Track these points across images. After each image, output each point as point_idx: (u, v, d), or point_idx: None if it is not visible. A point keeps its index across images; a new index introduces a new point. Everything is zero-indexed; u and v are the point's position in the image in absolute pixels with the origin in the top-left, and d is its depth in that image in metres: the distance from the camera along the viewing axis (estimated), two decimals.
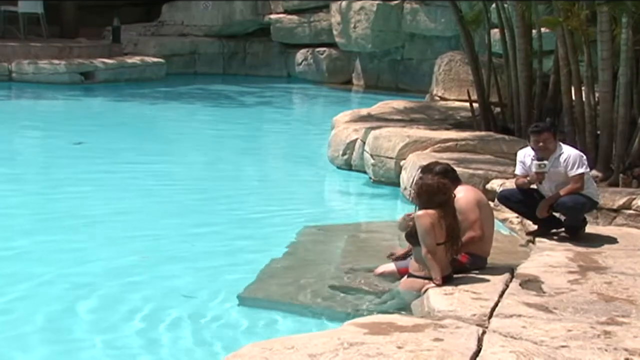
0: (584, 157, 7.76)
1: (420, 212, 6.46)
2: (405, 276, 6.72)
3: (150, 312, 6.58)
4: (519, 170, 7.92)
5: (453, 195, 6.61)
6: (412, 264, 6.67)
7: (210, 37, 24.56)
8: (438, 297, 6.08)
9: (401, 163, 10.74)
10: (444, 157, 9.31)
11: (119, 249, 8.22)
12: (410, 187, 9.99)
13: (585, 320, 5.58)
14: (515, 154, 8.14)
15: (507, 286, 6.36)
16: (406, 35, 21.85)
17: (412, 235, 6.57)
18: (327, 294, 6.80)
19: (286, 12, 24.06)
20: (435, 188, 6.51)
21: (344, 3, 21.96)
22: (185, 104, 19.57)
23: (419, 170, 7.52)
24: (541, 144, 7.64)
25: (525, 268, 6.85)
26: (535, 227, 8.05)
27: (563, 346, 5.07)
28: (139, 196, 10.57)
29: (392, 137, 11.20)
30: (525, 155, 7.84)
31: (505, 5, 12.88)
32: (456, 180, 7.15)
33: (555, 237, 7.81)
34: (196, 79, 23.54)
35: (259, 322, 6.42)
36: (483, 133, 12.15)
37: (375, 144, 11.22)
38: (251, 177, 12.26)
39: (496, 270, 6.78)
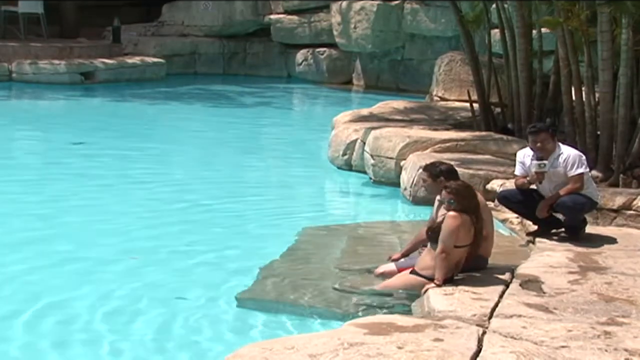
0: (584, 157, 7.76)
1: (454, 213, 6.43)
2: (407, 272, 6.72)
3: (150, 312, 6.58)
4: (518, 170, 7.92)
5: None
6: (420, 259, 6.65)
7: (211, 37, 24.53)
8: (438, 298, 6.09)
9: (401, 163, 10.74)
10: (444, 158, 9.31)
11: (117, 249, 8.22)
12: (411, 187, 10.01)
13: (585, 320, 5.58)
14: (516, 155, 8.14)
15: (508, 286, 6.36)
16: (406, 35, 21.84)
17: (435, 231, 6.56)
18: (327, 294, 6.79)
19: (286, 12, 24.04)
20: (472, 190, 6.57)
21: (344, 3, 21.96)
22: (186, 104, 19.56)
23: (422, 169, 7.52)
24: (539, 144, 7.65)
25: (526, 268, 6.85)
26: (535, 227, 8.05)
27: (563, 346, 5.07)
28: (138, 196, 10.56)
29: (393, 138, 11.20)
30: (525, 155, 7.84)
31: (506, 6, 12.87)
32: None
33: (556, 238, 7.81)
34: (196, 79, 23.52)
35: (258, 322, 6.42)
36: (483, 133, 12.15)
37: (375, 144, 11.22)
38: (251, 177, 12.25)
39: (496, 270, 6.79)
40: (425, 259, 6.63)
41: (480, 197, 7.21)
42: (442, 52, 17.14)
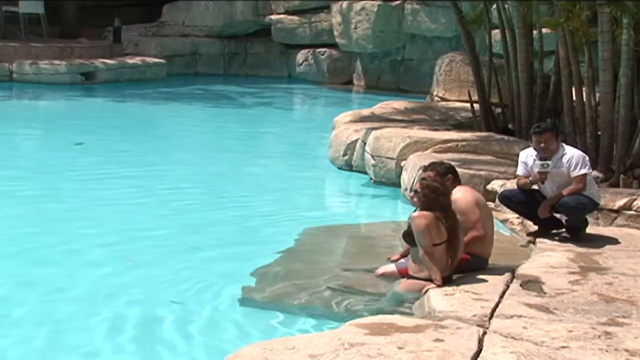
0: (587, 157, 7.77)
1: (416, 214, 6.49)
2: (405, 278, 6.73)
3: (151, 313, 6.58)
4: (520, 170, 7.92)
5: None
6: (410, 265, 6.68)
7: (211, 37, 24.55)
8: (439, 298, 6.08)
9: (402, 164, 10.73)
10: (445, 158, 9.30)
11: (115, 250, 8.21)
12: (412, 187, 10.01)
13: (585, 321, 5.58)
14: (516, 155, 8.15)
15: (508, 287, 6.36)
16: (407, 35, 21.85)
17: (408, 235, 6.58)
18: (328, 295, 6.79)
19: (287, 12, 24.05)
20: (441, 189, 6.55)
21: (344, 4, 21.96)
22: (186, 105, 19.57)
23: (422, 169, 7.54)
24: (543, 144, 7.65)
25: (526, 269, 6.85)
26: (536, 227, 8.05)
27: (564, 347, 5.07)
28: (138, 197, 10.55)
29: (393, 138, 11.20)
30: (528, 155, 7.84)
31: (506, 6, 12.88)
32: (456, 182, 7.16)
33: (556, 238, 7.81)
34: (197, 80, 23.54)
35: (259, 323, 6.41)
36: (484, 134, 12.15)
37: (376, 145, 11.22)
38: (251, 177, 12.25)
39: (497, 270, 6.79)
40: (413, 263, 6.65)
41: (479, 195, 7.22)
42: (443, 53, 17.16)
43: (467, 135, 11.63)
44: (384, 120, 13.02)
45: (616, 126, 10.14)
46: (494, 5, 13.41)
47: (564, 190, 7.62)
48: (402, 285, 6.68)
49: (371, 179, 11.37)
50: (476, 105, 13.24)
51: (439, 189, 6.58)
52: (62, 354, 5.92)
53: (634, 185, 9.78)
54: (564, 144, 7.85)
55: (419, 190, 6.57)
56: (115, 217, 9.50)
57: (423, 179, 6.76)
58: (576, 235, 7.75)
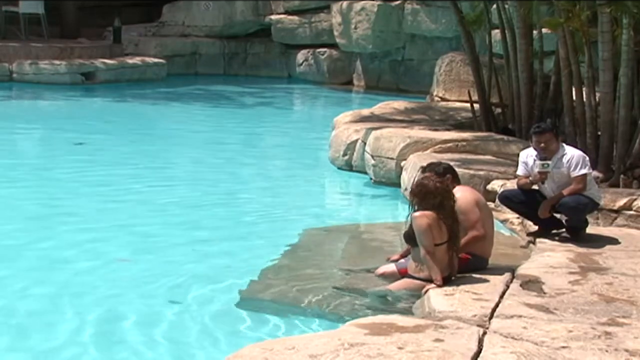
0: (587, 158, 7.77)
1: (417, 213, 6.47)
2: (405, 278, 6.73)
3: (150, 312, 6.58)
4: (520, 170, 7.92)
5: (452, 197, 6.61)
6: (410, 264, 6.68)
7: (211, 37, 24.57)
8: (439, 298, 6.08)
9: (402, 164, 10.73)
10: (445, 158, 9.31)
11: (116, 249, 8.21)
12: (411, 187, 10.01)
13: (586, 321, 5.58)
14: (516, 155, 8.15)
15: (508, 287, 6.36)
16: (407, 35, 21.87)
17: (409, 235, 6.58)
18: (328, 295, 6.79)
19: (287, 12, 24.06)
20: (431, 189, 6.50)
21: (344, 4, 21.97)
22: (186, 105, 19.57)
23: (420, 170, 7.53)
24: (543, 144, 7.65)
25: (526, 269, 6.85)
26: (536, 227, 8.05)
27: (564, 347, 5.07)
28: (139, 197, 10.56)
29: (393, 138, 11.21)
30: (528, 155, 7.84)
31: (506, 6, 12.88)
32: (455, 182, 7.15)
33: (556, 238, 7.81)
34: (197, 80, 23.55)
35: (259, 323, 6.42)
36: (484, 134, 12.15)
37: (376, 145, 11.22)
38: (252, 178, 12.26)
39: (497, 270, 6.79)
40: (413, 263, 6.64)
41: (479, 195, 7.22)
42: (443, 53, 17.16)
43: (467, 135, 11.63)
44: (384, 120, 13.02)
45: (616, 126, 10.13)
46: (494, 6, 13.42)
47: (564, 190, 7.62)
48: (397, 284, 6.68)
49: (371, 179, 11.37)
50: (476, 105, 13.24)
51: (427, 186, 6.52)
52: (24, 351, 5.90)
53: (634, 185, 9.78)
54: (564, 144, 7.85)
55: (412, 195, 6.56)
56: (114, 216, 9.50)
57: (421, 178, 6.74)
58: (576, 235, 7.75)
